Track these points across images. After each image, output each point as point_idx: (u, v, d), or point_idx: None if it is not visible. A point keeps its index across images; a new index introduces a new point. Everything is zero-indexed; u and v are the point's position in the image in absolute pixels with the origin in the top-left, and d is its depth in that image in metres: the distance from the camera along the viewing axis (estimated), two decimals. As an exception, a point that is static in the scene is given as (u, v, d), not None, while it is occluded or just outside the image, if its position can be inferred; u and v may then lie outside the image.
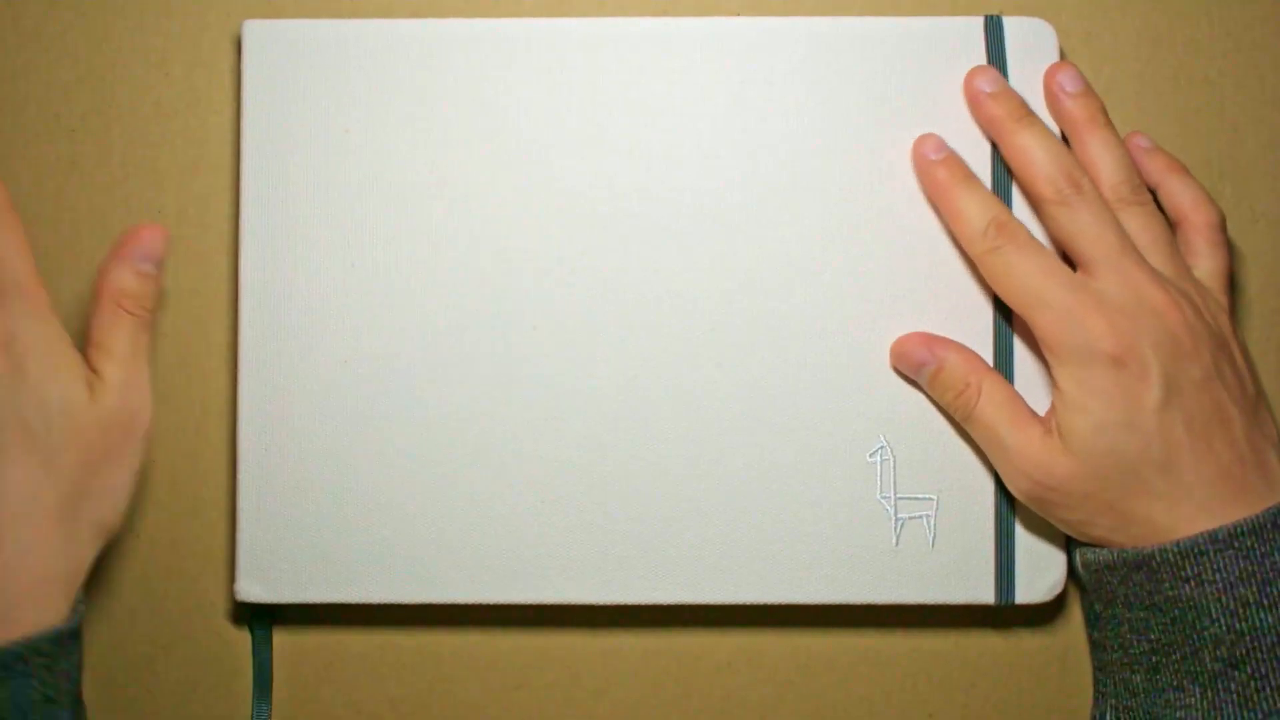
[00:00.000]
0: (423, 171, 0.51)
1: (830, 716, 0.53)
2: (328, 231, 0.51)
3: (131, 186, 0.53)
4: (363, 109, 0.51)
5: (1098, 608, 0.49)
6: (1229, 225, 0.52)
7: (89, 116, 0.53)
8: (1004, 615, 0.53)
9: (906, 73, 0.51)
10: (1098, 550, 0.48)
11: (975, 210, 0.49)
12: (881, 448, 0.51)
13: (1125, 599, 0.47)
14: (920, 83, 0.51)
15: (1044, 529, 0.50)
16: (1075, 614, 0.52)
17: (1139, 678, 0.47)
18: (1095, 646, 0.51)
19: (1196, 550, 0.45)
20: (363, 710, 0.53)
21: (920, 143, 0.50)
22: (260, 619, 0.53)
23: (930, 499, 0.51)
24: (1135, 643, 0.47)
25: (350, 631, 0.53)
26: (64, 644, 0.44)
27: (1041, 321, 0.47)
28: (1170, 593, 0.45)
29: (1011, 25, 0.51)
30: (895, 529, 0.51)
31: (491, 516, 0.51)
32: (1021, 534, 0.50)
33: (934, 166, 0.50)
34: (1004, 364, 0.50)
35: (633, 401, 0.51)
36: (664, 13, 0.53)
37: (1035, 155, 0.49)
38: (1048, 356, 0.48)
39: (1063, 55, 0.52)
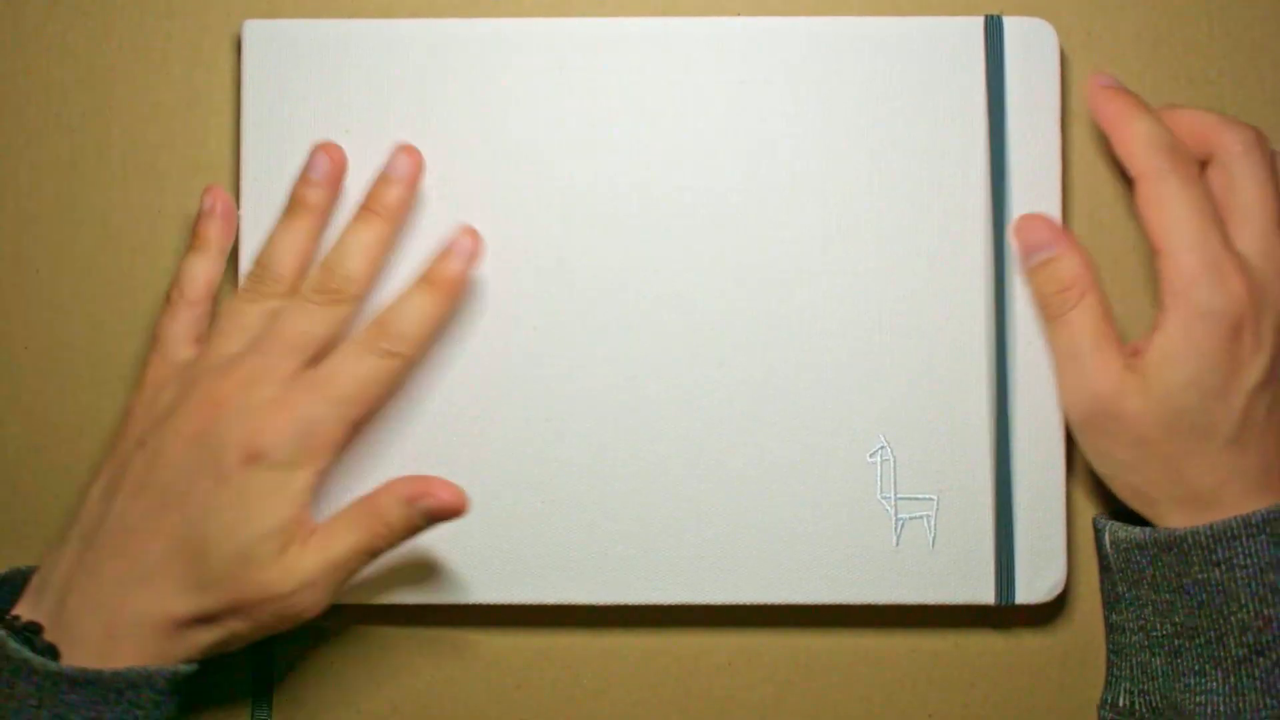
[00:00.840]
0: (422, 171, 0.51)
1: (830, 716, 0.53)
2: (327, 231, 0.51)
3: (131, 186, 0.53)
4: (363, 109, 0.51)
5: (1121, 589, 0.48)
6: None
7: (89, 116, 0.53)
8: (1004, 615, 0.53)
9: (906, 73, 0.51)
10: (1130, 529, 0.47)
11: (1149, 128, 0.48)
12: (881, 448, 0.51)
13: (1152, 580, 0.47)
14: (920, 83, 0.51)
15: (1044, 529, 0.50)
16: (1075, 614, 0.52)
17: (1159, 661, 0.47)
18: (1113, 629, 0.50)
19: (1229, 534, 0.45)
20: (363, 710, 0.53)
21: (1094, 78, 0.50)
22: (260, 619, 0.53)
23: (930, 499, 0.51)
24: (1158, 625, 0.47)
25: (350, 631, 0.53)
26: (176, 686, 0.45)
27: (1182, 262, 0.46)
28: (1200, 576, 0.45)
29: (1011, 25, 0.51)
30: (895, 529, 0.51)
31: (491, 517, 0.51)
32: (1021, 534, 0.50)
33: (1108, 90, 0.49)
34: (999, 362, 0.50)
35: (633, 401, 0.51)
36: (664, 13, 0.53)
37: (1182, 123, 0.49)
38: (1165, 296, 0.46)
39: (1063, 55, 0.52)
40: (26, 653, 0.43)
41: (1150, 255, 0.48)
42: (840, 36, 0.51)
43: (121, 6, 0.53)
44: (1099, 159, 0.53)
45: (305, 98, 0.51)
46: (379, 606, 0.52)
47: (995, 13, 0.51)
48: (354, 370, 0.47)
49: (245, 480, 0.45)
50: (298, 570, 0.46)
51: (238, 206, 0.51)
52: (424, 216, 0.51)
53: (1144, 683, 0.47)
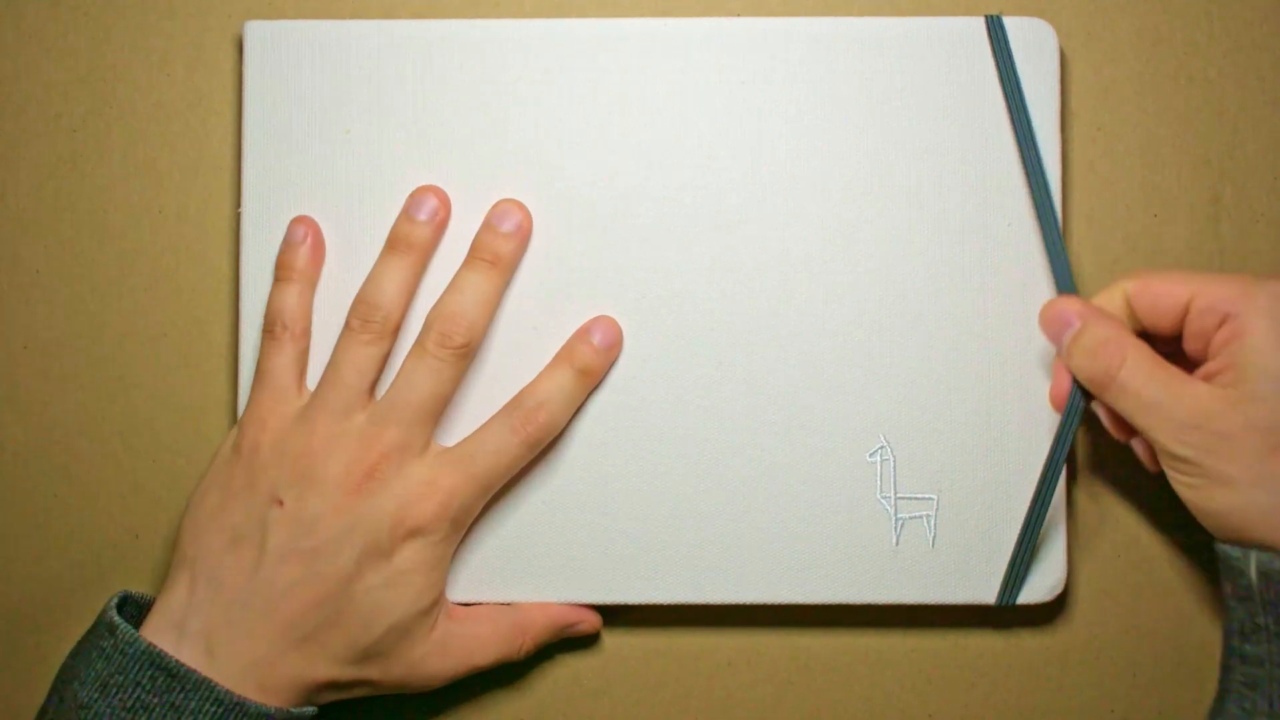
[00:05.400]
0: (423, 171, 0.51)
1: (830, 716, 0.53)
2: (328, 231, 0.51)
3: (131, 186, 0.53)
4: (363, 109, 0.51)
5: (1263, 619, 0.44)
6: (1229, 225, 0.53)
7: (89, 116, 0.53)
8: (1004, 615, 0.53)
9: (906, 73, 0.51)
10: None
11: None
12: (881, 448, 0.51)
13: None
14: (920, 83, 0.51)
15: (1044, 529, 0.50)
16: (1075, 614, 0.52)
17: None
18: (1246, 660, 0.45)
19: None
20: (363, 710, 0.53)
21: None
22: (260, 619, 0.53)
23: (930, 499, 0.51)
24: None
25: (350, 631, 0.53)
26: None
27: (1221, 281, 0.45)
28: None
29: (1012, 25, 0.51)
30: (895, 529, 0.51)
31: (491, 516, 0.51)
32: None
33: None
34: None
35: (633, 401, 0.51)
36: (664, 13, 0.53)
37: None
38: (1228, 312, 0.45)
39: (1063, 55, 0.52)
40: (213, 683, 0.45)
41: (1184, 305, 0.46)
42: (840, 37, 0.51)
43: (122, 6, 0.53)
44: (1098, 159, 0.53)
45: (305, 98, 0.51)
46: (379, 606, 0.52)
47: (995, 13, 0.51)
48: (498, 451, 0.48)
49: (402, 556, 0.47)
50: (446, 657, 0.48)
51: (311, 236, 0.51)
52: (424, 216, 0.51)
53: None
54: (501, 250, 0.49)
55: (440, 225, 0.50)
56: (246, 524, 0.47)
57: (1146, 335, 0.48)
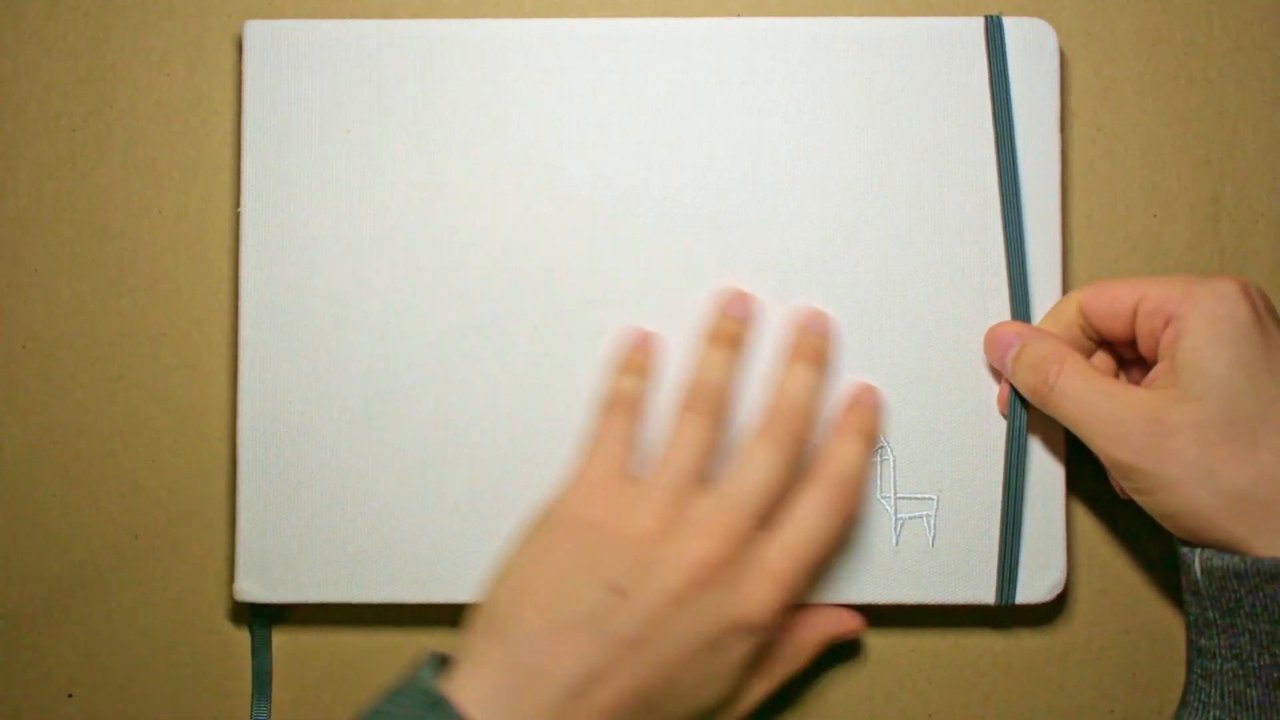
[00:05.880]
0: (423, 171, 0.51)
1: (830, 716, 0.53)
2: (328, 231, 0.51)
3: (131, 186, 0.53)
4: (363, 109, 0.51)
5: (1212, 614, 0.45)
6: (1229, 225, 0.53)
7: (89, 116, 0.53)
8: (1004, 615, 0.52)
9: (906, 73, 0.51)
10: (1227, 556, 0.44)
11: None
12: (881, 448, 0.51)
13: (1251, 609, 0.44)
14: (920, 83, 0.51)
15: (1044, 529, 0.50)
16: (1075, 614, 0.52)
17: (1255, 691, 0.44)
18: (1200, 653, 0.46)
19: None
20: (362, 710, 0.53)
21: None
22: (259, 619, 0.53)
23: (930, 499, 0.51)
24: (1256, 656, 0.44)
25: (350, 631, 0.53)
26: None
27: (1165, 285, 0.46)
28: None
29: (1011, 25, 0.51)
30: (895, 529, 0.51)
31: (491, 516, 0.51)
32: (1022, 534, 0.50)
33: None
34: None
35: (633, 401, 0.51)
36: (664, 13, 0.53)
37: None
38: (1172, 315, 0.45)
39: (1063, 55, 0.52)
40: None
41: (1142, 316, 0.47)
42: (840, 37, 0.51)
43: (122, 6, 0.53)
44: (1098, 159, 0.53)
45: (305, 98, 0.51)
46: (379, 606, 0.52)
47: (995, 13, 0.51)
48: (819, 534, 0.47)
49: (734, 650, 0.46)
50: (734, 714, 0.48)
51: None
52: (424, 216, 0.51)
53: (1237, 712, 0.44)
54: (822, 348, 0.50)
55: (753, 323, 0.50)
56: (578, 609, 0.44)
57: (1107, 345, 0.49)
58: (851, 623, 0.51)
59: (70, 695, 0.53)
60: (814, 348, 0.50)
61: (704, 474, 0.47)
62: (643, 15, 0.53)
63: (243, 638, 0.53)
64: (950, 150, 0.51)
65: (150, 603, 0.53)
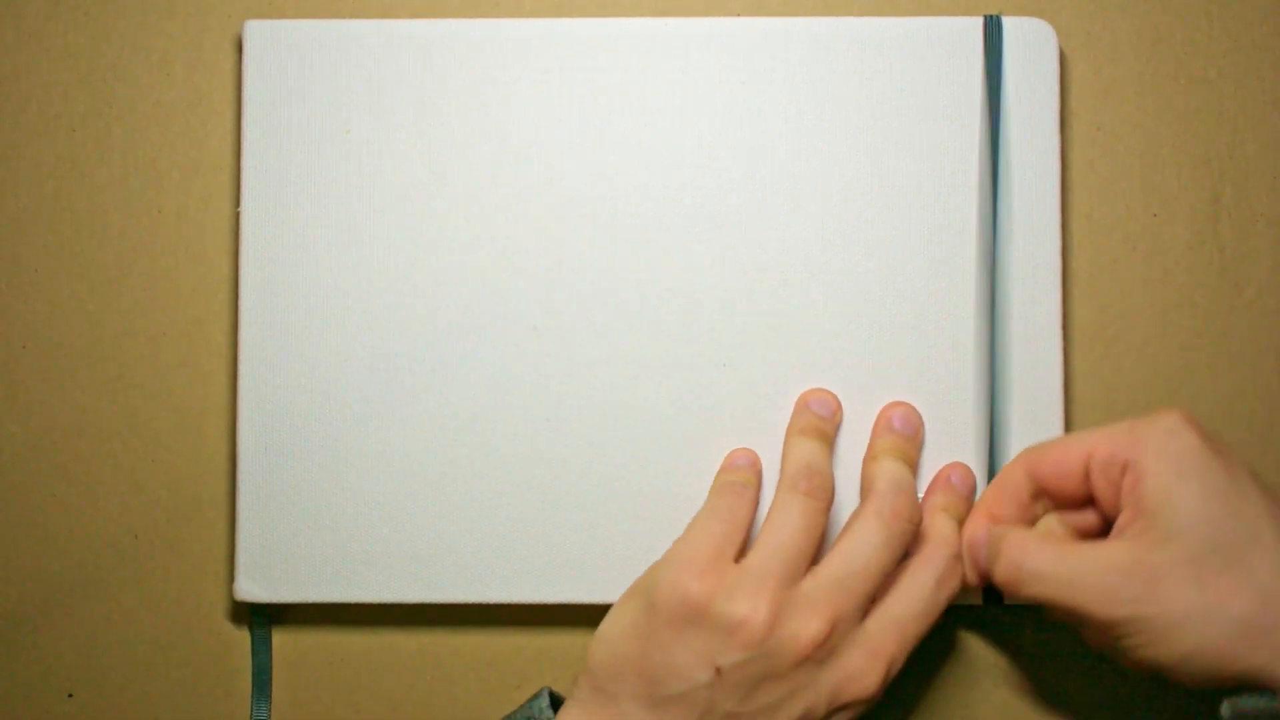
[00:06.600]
0: (423, 171, 0.51)
1: (830, 717, 0.53)
2: (328, 231, 0.51)
3: (131, 186, 0.53)
4: (363, 109, 0.51)
5: None
6: (1229, 225, 0.53)
7: (89, 116, 0.53)
8: (1003, 615, 0.52)
9: (906, 73, 0.51)
10: (1258, 698, 0.42)
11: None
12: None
13: None
14: (920, 83, 0.51)
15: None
16: (1075, 614, 0.52)
17: None
18: None
19: None
20: (363, 710, 0.53)
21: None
22: (260, 619, 0.53)
23: (930, 499, 0.51)
24: None
25: (350, 631, 0.53)
26: None
27: (1109, 433, 0.45)
28: None
29: (1011, 25, 0.51)
30: (895, 529, 0.51)
31: (491, 516, 0.51)
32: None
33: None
34: (996, 362, 0.50)
35: (632, 401, 0.51)
36: (664, 13, 0.53)
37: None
38: (1129, 451, 0.44)
39: (1062, 55, 0.52)
40: None
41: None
42: (840, 37, 0.51)
43: (121, 6, 0.53)
44: (1098, 159, 0.53)
45: (305, 98, 0.51)
46: (379, 606, 0.52)
47: (995, 13, 0.51)
48: (924, 609, 0.46)
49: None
50: None
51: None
52: (424, 216, 0.51)
53: None
54: (911, 453, 0.49)
55: (839, 424, 0.50)
56: (678, 685, 0.44)
57: (1068, 509, 0.48)
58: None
59: (70, 695, 0.53)
60: (903, 449, 0.49)
61: (808, 555, 0.46)
62: (643, 15, 0.53)
63: (243, 638, 0.53)
64: (950, 150, 0.51)
65: (150, 603, 0.53)
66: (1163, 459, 0.44)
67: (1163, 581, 0.42)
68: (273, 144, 0.51)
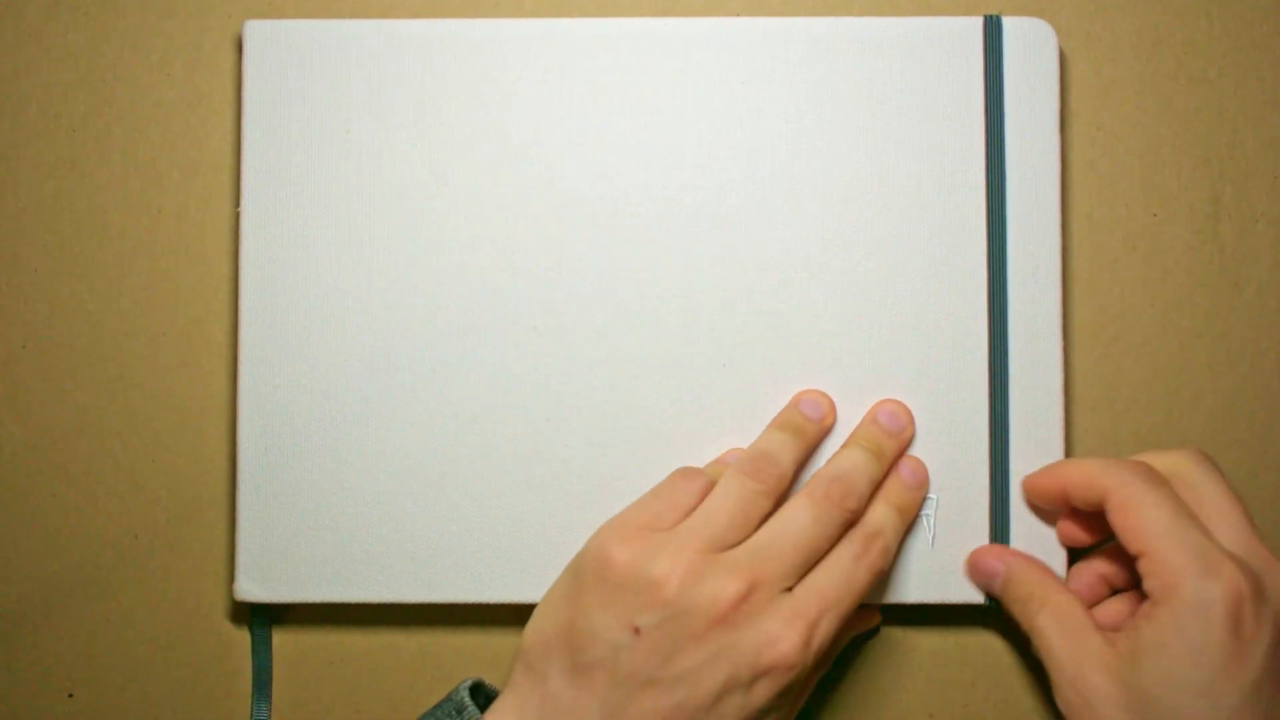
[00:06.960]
0: (423, 171, 0.51)
1: (829, 716, 0.53)
2: (328, 231, 0.51)
3: (131, 186, 0.53)
4: (363, 109, 0.51)
5: None
6: (1229, 225, 0.53)
7: (89, 116, 0.53)
8: (1003, 615, 0.52)
9: (906, 73, 0.51)
10: None
11: (1095, 461, 0.48)
12: (929, 499, 0.51)
13: None
14: (920, 83, 0.51)
15: (1043, 528, 0.50)
16: (1075, 614, 0.52)
17: None
18: None
19: None
20: (363, 710, 0.53)
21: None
22: (260, 619, 0.53)
23: (930, 499, 0.51)
24: None
25: (350, 631, 0.53)
26: None
27: (1166, 557, 0.44)
28: None
29: (1011, 25, 0.51)
30: (895, 529, 0.51)
31: (491, 516, 0.51)
32: (1020, 534, 0.50)
33: (1031, 481, 0.50)
34: (998, 362, 0.50)
35: (632, 401, 0.51)
36: (664, 13, 0.53)
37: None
38: (1154, 594, 0.44)
39: (1062, 55, 0.52)
40: None
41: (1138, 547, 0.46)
42: (840, 37, 0.51)
43: (121, 6, 0.53)
44: (1098, 159, 0.53)
45: (305, 98, 0.51)
46: (379, 606, 0.52)
47: (995, 13, 0.51)
48: (848, 581, 0.46)
49: (760, 690, 0.45)
50: None
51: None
52: (424, 216, 0.51)
53: None
54: (885, 445, 0.49)
55: (827, 426, 0.50)
56: (599, 650, 0.44)
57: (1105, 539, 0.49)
58: (872, 618, 0.52)
59: (70, 695, 0.53)
60: (876, 440, 0.49)
61: (739, 531, 0.46)
62: (643, 15, 0.53)
63: (243, 638, 0.53)
64: (950, 150, 0.51)
65: (150, 603, 0.53)
66: (1181, 636, 0.44)
67: (1090, 706, 0.45)
68: (273, 144, 0.51)
